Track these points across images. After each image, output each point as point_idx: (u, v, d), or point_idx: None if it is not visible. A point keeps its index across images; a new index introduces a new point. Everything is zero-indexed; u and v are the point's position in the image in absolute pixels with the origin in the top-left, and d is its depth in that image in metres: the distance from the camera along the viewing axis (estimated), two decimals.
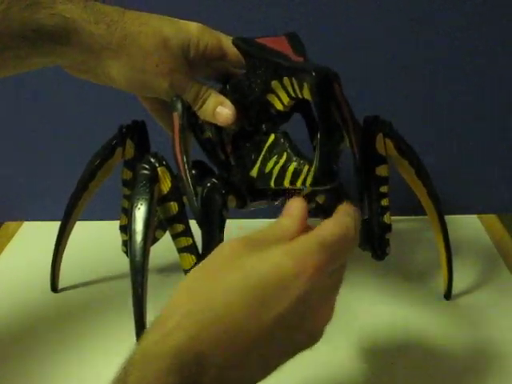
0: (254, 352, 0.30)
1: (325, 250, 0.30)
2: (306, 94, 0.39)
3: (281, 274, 0.29)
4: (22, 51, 0.40)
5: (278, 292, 0.29)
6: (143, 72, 0.42)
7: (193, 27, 0.44)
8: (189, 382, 0.28)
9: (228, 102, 0.45)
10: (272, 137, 0.45)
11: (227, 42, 0.45)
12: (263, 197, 0.49)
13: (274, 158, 0.44)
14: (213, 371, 0.28)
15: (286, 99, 0.42)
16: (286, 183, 0.43)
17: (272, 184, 0.44)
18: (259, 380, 0.32)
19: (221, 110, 0.45)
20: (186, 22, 0.45)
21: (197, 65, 0.45)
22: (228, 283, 0.29)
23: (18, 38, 0.39)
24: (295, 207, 0.34)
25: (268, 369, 0.32)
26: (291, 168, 0.42)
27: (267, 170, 0.44)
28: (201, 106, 0.45)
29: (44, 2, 0.39)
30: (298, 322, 0.32)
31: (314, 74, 0.37)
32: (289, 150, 0.43)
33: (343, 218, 0.33)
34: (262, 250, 0.30)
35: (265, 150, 0.45)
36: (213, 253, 0.32)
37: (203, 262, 0.32)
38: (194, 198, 0.43)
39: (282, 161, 0.43)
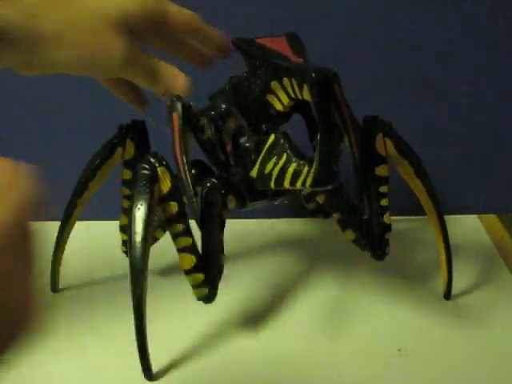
0: None
1: None
2: (306, 95, 0.39)
3: None
4: None
5: None
6: (91, 56, 0.41)
7: (127, 3, 0.42)
8: None
9: (180, 71, 0.44)
10: (272, 137, 0.45)
11: (167, 3, 0.44)
12: (263, 197, 0.49)
13: (274, 159, 0.44)
14: None
15: (285, 100, 0.42)
16: (286, 184, 0.43)
17: (272, 185, 0.44)
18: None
19: (176, 79, 0.44)
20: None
21: (144, 35, 0.44)
22: None
23: None
24: None
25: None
26: (291, 169, 0.42)
27: (267, 170, 0.44)
28: (154, 79, 0.43)
29: None
30: None
31: (313, 74, 0.37)
32: (288, 151, 0.43)
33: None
34: None
35: (264, 150, 0.45)
36: None
37: None
38: (194, 199, 0.43)
39: (281, 162, 0.43)
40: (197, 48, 0.48)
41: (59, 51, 0.40)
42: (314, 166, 0.40)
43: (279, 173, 0.43)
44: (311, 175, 0.40)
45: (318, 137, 0.39)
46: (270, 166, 0.44)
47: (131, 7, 0.42)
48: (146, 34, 0.44)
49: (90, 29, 0.40)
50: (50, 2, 0.40)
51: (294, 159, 0.43)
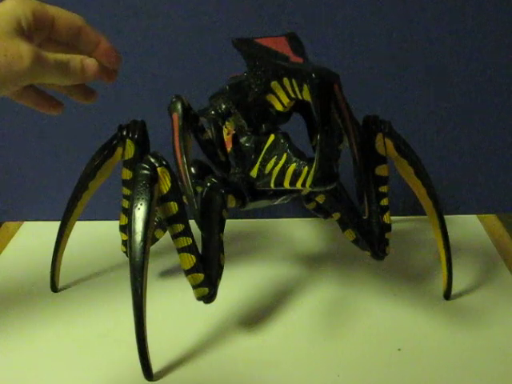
0: None
1: None
2: (306, 95, 0.39)
3: None
4: None
5: None
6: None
7: (8, 3, 0.41)
8: None
9: (87, 57, 0.43)
10: (272, 137, 0.45)
11: (50, 7, 0.43)
12: (263, 197, 0.49)
13: (274, 159, 0.44)
14: None
15: (285, 100, 0.42)
16: (286, 184, 0.43)
17: (272, 185, 0.44)
18: None
19: (86, 63, 0.43)
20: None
21: (36, 39, 0.43)
22: None
23: None
24: None
25: None
26: (291, 169, 0.42)
27: (267, 170, 0.44)
28: (66, 72, 0.42)
29: None
30: None
31: (313, 75, 0.37)
32: (288, 151, 0.43)
33: None
34: None
35: (264, 150, 0.45)
36: None
37: None
38: (194, 199, 0.43)
39: (281, 161, 0.43)
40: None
41: None
42: (313, 166, 0.40)
43: (279, 173, 0.43)
44: (311, 175, 0.40)
45: (318, 137, 0.39)
46: (269, 165, 0.44)
47: (20, 11, 0.41)
48: (37, 37, 0.43)
49: None
50: None
51: (294, 159, 0.43)
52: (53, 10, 0.43)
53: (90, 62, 0.43)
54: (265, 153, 0.45)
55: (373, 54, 0.65)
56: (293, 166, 0.42)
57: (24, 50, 0.39)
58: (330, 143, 0.39)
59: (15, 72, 0.39)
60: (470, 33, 0.64)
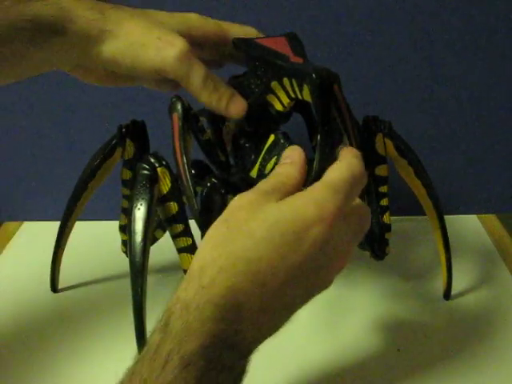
0: (281, 296, 0.33)
1: (337, 195, 0.33)
2: (306, 96, 0.39)
3: (302, 221, 0.32)
4: (21, 46, 0.39)
5: (301, 237, 0.32)
6: (143, 46, 0.40)
7: (190, 14, 0.44)
8: (228, 329, 0.31)
9: (238, 94, 0.44)
10: (272, 137, 0.45)
11: (228, 26, 0.45)
12: None
13: (274, 159, 0.44)
14: (248, 316, 0.31)
15: (285, 100, 0.42)
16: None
17: None
18: (283, 323, 0.35)
19: (234, 102, 0.43)
20: (183, 13, 0.44)
21: (201, 54, 0.44)
22: (255, 236, 0.32)
23: (16, 31, 0.38)
24: (295, 155, 0.37)
25: (291, 311, 0.35)
26: None
27: (266, 170, 0.44)
28: (211, 94, 0.42)
29: None
30: (317, 268, 0.34)
31: (314, 75, 0.37)
32: None
33: (349, 160, 0.35)
34: (278, 199, 0.33)
35: (264, 150, 0.45)
36: (231, 208, 0.34)
37: (223, 215, 0.34)
38: (194, 199, 0.43)
39: None
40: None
41: (115, 42, 0.40)
42: (313, 167, 0.39)
43: None
44: (311, 176, 0.40)
45: (318, 137, 0.39)
46: (269, 165, 0.44)
47: (197, 25, 0.43)
48: (203, 49, 0.45)
49: (149, 27, 0.40)
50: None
51: None
52: (227, 29, 0.45)
53: (241, 106, 0.43)
54: (265, 153, 0.45)
55: (373, 55, 0.65)
56: None
57: (179, 42, 0.40)
58: (330, 143, 0.39)
59: (161, 57, 0.40)
60: (472, 33, 0.64)
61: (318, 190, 0.33)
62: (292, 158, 0.37)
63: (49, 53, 0.40)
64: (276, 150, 0.44)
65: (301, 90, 0.39)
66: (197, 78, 0.41)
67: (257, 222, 0.32)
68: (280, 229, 0.32)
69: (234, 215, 0.33)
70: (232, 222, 0.33)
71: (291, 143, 0.44)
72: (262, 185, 0.35)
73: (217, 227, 0.34)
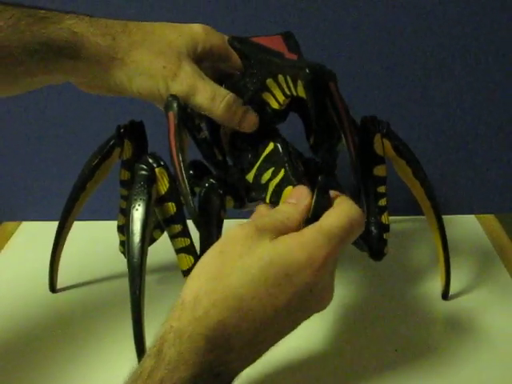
0: (269, 330, 0.34)
1: (331, 242, 0.34)
2: (301, 92, 0.38)
3: (295, 264, 0.33)
4: (33, 67, 0.41)
5: (292, 279, 0.33)
6: (151, 77, 0.43)
7: (196, 28, 0.45)
8: (217, 360, 0.33)
9: (250, 109, 0.45)
10: (271, 145, 0.44)
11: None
12: (261, 198, 0.49)
13: (271, 170, 0.44)
14: (237, 348, 0.33)
15: (281, 97, 0.42)
16: (282, 202, 0.42)
17: (267, 200, 0.44)
18: (267, 351, 0.36)
19: (248, 117, 0.45)
20: (189, 24, 0.45)
21: (203, 66, 0.45)
22: (249, 272, 0.33)
23: (29, 52, 0.40)
24: (301, 196, 0.38)
25: (276, 341, 0.36)
26: (287, 190, 0.41)
27: (263, 180, 0.44)
28: (223, 113, 0.44)
29: (52, 17, 0.41)
30: (306, 305, 0.36)
31: (307, 70, 0.37)
32: (287, 167, 0.43)
33: (347, 208, 0.36)
34: (273, 237, 0.34)
35: (262, 158, 0.45)
36: (227, 239, 0.35)
37: (219, 245, 0.35)
38: (190, 198, 0.43)
39: (278, 177, 0.43)
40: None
41: (123, 70, 0.42)
42: (311, 208, 0.38)
43: (275, 189, 0.43)
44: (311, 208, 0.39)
45: (313, 137, 0.39)
46: (266, 176, 0.44)
47: (201, 39, 0.44)
48: (207, 61, 0.46)
49: (156, 55, 0.42)
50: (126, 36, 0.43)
51: (291, 179, 0.42)
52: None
53: (253, 121, 0.45)
54: (262, 160, 0.45)
55: (371, 55, 0.65)
56: (289, 189, 0.41)
57: (182, 72, 0.42)
58: (327, 139, 0.39)
59: (166, 86, 0.43)
60: (469, 32, 0.64)
61: (312, 235, 0.34)
62: (297, 200, 0.38)
63: (59, 73, 0.43)
64: (273, 162, 0.44)
65: (295, 87, 0.39)
66: (203, 99, 0.43)
67: (252, 259, 0.33)
68: (273, 270, 0.33)
69: (229, 248, 0.35)
70: (227, 255, 0.34)
71: (289, 155, 0.43)
72: (262, 220, 0.36)
73: (212, 257, 0.35)
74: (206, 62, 0.46)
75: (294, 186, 0.41)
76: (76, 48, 0.41)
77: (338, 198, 0.38)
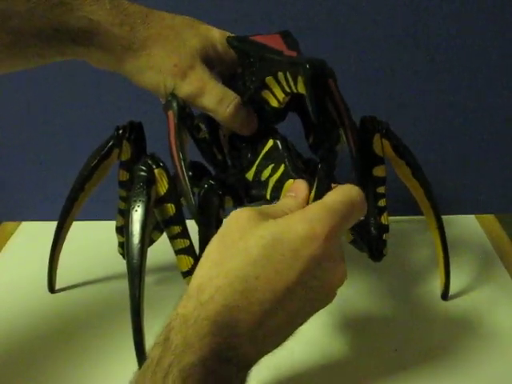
0: (279, 312, 0.33)
1: (334, 216, 0.34)
2: (301, 88, 0.38)
3: (298, 238, 0.33)
4: (45, 51, 0.41)
5: (297, 254, 0.33)
6: (160, 73, 0.43)
7: (214, 32, 0.45)
8: (224, 343, 0.32)
9: (252, 112, 0.45)
10: (270, 142, 0.44)
11: None
12: (260, 198, 0.49)
13: (271, 167, 0.44)
14: (244, 333, 0.32)
15: (280, 95, 0.42)
16: (282, 197, 0.42)
17: (268, 196, 0.44)
18: (284, 339, 0.35)
19: (250, 121, 0.45)
20: (209, 26, 0.45)
21: (214, 69, 0.46)
22: (251, 254, 0.32)
23: (43, 38, 0.40)
24: (300, 190, 0.38)
25: (291, 327, 0.35)
26: (288, 184, 0.42)
27: (263, 177, 0.44)
28: (227, 116, 0.44)
29: (71, 3, 0.40)
30: (316, 283, 0.34)
31: (307, 65, 0.37)
32: (287, 163, 0.43)
33: (348, 188, 0.36)
34: (275, 219, 0.34)
35: (262, 155, 0.45)
36: (229, 223, 0.35)
37: (222, 232, 0.35)
38: (190, 195, 0.43)
39: (278, 173, 0.43)
40: None
41: (135, 62, 0.43)
42: (315, 186, 0.39)
43: (276, 184, 0.43)
44: (312, 195, 0.39)
45: (312, 136, 0.39)
46: (266, 172, 0.44)
47: (216, 41, 0.45)
48: (216, 67, 0.47)
49: (169, 52, 0.43)
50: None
51: (291, 174, 0.42)
52: None
53: (254, 124, 0.46)
54: (262, 157, 0.45)
55: (371, 54, 0.65)
56: (290, 182, 0.42)
57: (192, 72, 0.43)
58: (326, 136, 0.39)
59: (175, 84, 0.43)
60: (469, 32, 0.64)
61: (313, 209, 0.34)
62: (296, 193, 0.38)
63: (71, 57, 0.43)
64: (273, 158, 0.44)
65: (295, 83, 0.39)
66: (211, 101, 0.44)
67: (254, 238, 0.33)
68: (277, 247, 0.33)
69: (231, 231, 0.34)
70: (229, 238, 0.34)
71: (289, 152, 0.43)
72: (262, 208, 0.36)
73: (215, 243, 0.35)
74: (216, 67, 0.46)
75: (294, 179, 0.42)
76: (91, 36, 0.41)
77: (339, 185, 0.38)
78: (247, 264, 0.32)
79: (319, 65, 0.37)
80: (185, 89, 0.43)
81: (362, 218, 0.49)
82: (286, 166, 0.42)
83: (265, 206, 0.36)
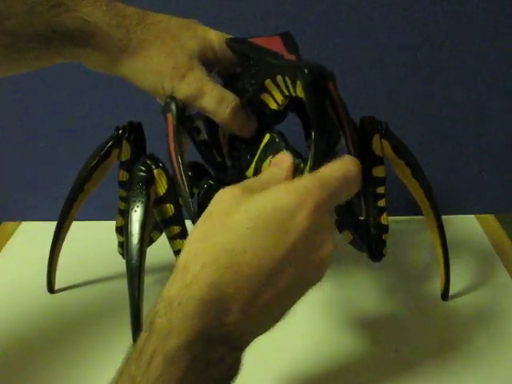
0: (269, 287, 0.32)
1: (323, 188, 0.32)
2: (300, 92, 0.38)
3: (284, 209, 0.32)
4: (43, 52, 0.41)
5: (284, 226, 0.31)
6: (159, 74, 0.43)
7: (212, 34, 0.45)
8: (213, 323, 0.31)
9: (251, 114, 0.45)
10: (267, 136, 0.44)
11: None
12: None
13: (270, 158, 0.44)
14: (235, 310, 0.31)
15: (279, 98, 0.42)
16: None
17: None
18: (277, 318, 0.34)
19: (249, 122, 0.45)
20: (206, 28, 0.45)
21: (213, 70, 0.46)
22: (237, 227, 0.31)
23: (39, 39, 0.40)
24: (282, 159, 0.38)
25: (284, 305, 0.34)
26: None
27: (263, 169, 0.44)
28: (226, 114, 0.44)
29: (67, 4, 0.41)
30: (305, 255, 0.33)
31: (306, 70, 0.37)
32: (284, 149, 0.43)
33: (345, 162, 0.35)
34: (261, 191, 0.33)
35: (260, 149, 0.45)
36: (215, 201, 0.34)
37: (208, 211, 0.34)
38: (189, 200, 0.43)
39: None
40: None
41: (132, 64, 0.43)
42: (309, 163, 0.39)
43: None
44: (306, 173, 0.40)
45: (313, 134, 0.39)
46: (265, 164, 0.44)
47: (215, 44, 0.45)
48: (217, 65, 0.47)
49: (167, 54, 0.43)
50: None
51: None
52: None
53: (254, 126, 0.45)
54: (260, 152, 0.45)
55: (370, 54, 0.65)
56: None
57: (191, 74, 0.43)
58: (325, 140, 0.39)
59: (172, 86, 0.43)
60: (470, 32, 0.64)
61: (303, 180, 0.33)
62: (279, 163, 0.38)
63: (67, 58, 0.43)
64: (271, 149, 0.44)
65: (294, 87, 0.39)
66: (210, 102, 0.43)
67: (239, 213, 0.32)
68: (262, 219, 0.31)
69: (217, 208, 0.33)
70: (215, 214, 0.33)
71: (287, 142, 0.44)
72: (247, 181, 0.35)
73: (201, 221, 0.34)
74: (214, 68, 0.46)
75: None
76: (87, 37, 0.41)
77: (344, 156, 0.36)
78: (233, 238, 0.31)
79: (318, 69, 0.37)
80: (183, 90, 0.43)
81: (362, 218, 0.49)
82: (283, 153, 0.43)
83: (248, 181, 0.35)
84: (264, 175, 0.36)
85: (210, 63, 0.45)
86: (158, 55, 0.42)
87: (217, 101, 0.43)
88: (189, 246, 0.33)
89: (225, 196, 0.33)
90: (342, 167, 0.34)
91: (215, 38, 0.45)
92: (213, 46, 0.45)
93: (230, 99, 0.44)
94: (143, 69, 0.43)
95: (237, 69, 0.46)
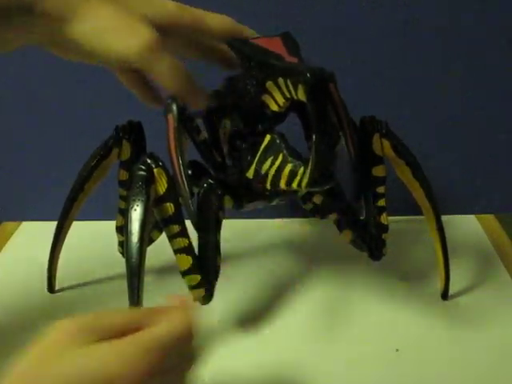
0: None
1: (151, 354, 0.30)
2: (301, 95, 0.38)
3: (108, 375, 0.29)
4: None
5: None
6: (109, 31, 0.39)
7: (167, 3, 0.43)
8: None
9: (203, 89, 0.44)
10: (268, 137, 0.44)
11: (203, 15, 0.44)
12: (260, 197, 0.49)
13: (270, 160, 0.44)
14: None
15: (280, 100, 0.42)
16: (282, 184, 0.43)
17: (268, 186, 0.44)
18: None
19: (204, 98, 0.44)
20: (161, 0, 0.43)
21: (176, 43, 0.44)
22: (58, 377, 0.29)
23: None
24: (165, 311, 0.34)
25: None
26: (287, 169, 0.42)
27: (263, 171, 0.44)
28: (180, 87, 0.42)
29: None
30: None
31: (308, 75, 0.37)
32: (284, 151, 0.43)
33: (175, 318, 0.33)
34: (94, 341, 0.31)
35: (260, 151, 0.45)
36: (48, 333, 0.32)
37: (40, 346, 0.31)
38: (190, 202, 0.43)
39: (277, 162, 0.43)
40: (225, 51, 0.47)
41: (81, 24, 0.39)
42: (309, 166, 0.39)
43: (275, 173, 0.43)
44: (307, 176, 0.40)
45: (314, 136, 0.39)
46: (266, 166, 0.44)
47: (170, 12, 0.42)
48: (178, 39, 0.44)
49: (118, 13, 0.39)
50: None
51: (289, 159, 0.42)
52: (209, 20, 0.44)
53: (205, 101, 0.44)
54: (261, 153, 0.45)
55: (370, 54, 0.65)
56: (289, 167, 0.42)
57: (146, 31, 0.39)
58: (326, 143, 0.39)
59: (126, 44, 0.39)
60: (470, 31, 0.64)
61: (132, 343, 0.31)
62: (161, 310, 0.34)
63: (17, 31, 0.40)
64: (272, 151, 0.44)
65: (296, 90, 0.39)
66: (163, 68, 0.40)
67: (63, 362, 0.29)
68: (82, 379, 0.29)
69: (46, 345, 0.31)
70: (42, 352, 0.31)
71: (287, 143, 0.44)
72: (97, 315, 0.34)
73: (29, 354, 0.31)
74: (174, 37, 0.44)
75: (293, 164, 0.42)
76: (32, 3, 0.38)
77: (171, 307, 0.35)
78: None
79: (320, 73, 0.37)
80: (134, 49, 0.39)
81: (362, 218, 0.49)
82: (284, 155, 0.43)
83: (99, 314, 0.33)
84: (120, 316, 0.34)
85: (165, 31, 0.42)
86: (108, 13, 0.39)
87: (169, 66, 0.41)
88: (13, 376, 0.30)
89: (58, 332, 0.32)
90: (170, 325, 0.32)
91: (175, 8, 0.42)
92: (170, 15, 0.42)
93: (182, 65, 0.41)
94: (92, 28, 0.39)
95: (238, 69, 0.46)
